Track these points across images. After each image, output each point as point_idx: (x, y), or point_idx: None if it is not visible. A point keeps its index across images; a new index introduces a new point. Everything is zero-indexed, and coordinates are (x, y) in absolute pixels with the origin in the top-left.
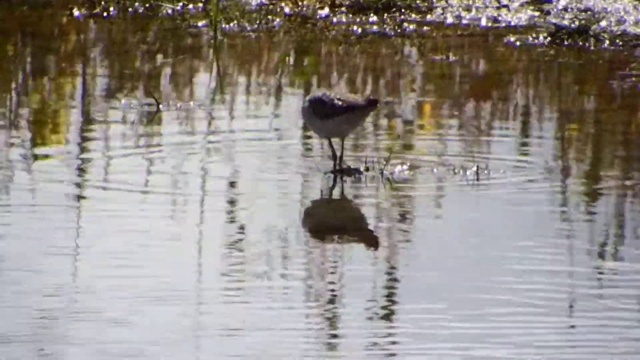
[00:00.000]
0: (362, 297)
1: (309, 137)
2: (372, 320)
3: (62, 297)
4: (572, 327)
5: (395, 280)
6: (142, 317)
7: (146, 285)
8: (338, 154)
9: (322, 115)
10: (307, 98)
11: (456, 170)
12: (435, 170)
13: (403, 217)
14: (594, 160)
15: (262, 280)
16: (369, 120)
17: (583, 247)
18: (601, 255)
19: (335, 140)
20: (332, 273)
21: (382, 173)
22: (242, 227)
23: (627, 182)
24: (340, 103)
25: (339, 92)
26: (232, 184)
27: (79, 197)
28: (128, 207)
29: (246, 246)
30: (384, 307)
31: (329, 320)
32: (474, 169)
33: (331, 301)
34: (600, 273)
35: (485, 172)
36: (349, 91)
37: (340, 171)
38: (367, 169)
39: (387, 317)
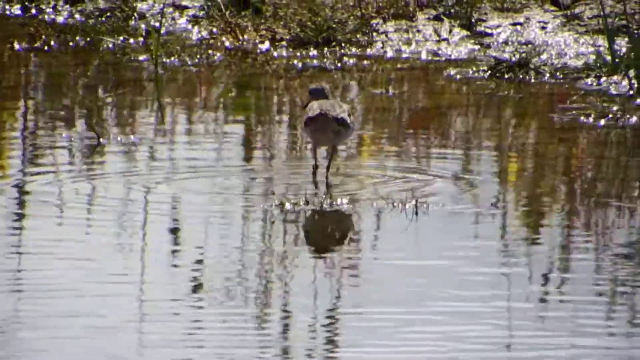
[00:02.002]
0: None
1: (251, 169)
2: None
3: None
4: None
5: (337, 318)
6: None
7: (82, 314)
8: (325, 163)
9: (304, 123)
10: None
11: (395, 204)
12: (374, 203)
13: (340, 248)
14: (534, 193)
15: (210, 307)
16: (309, 155)
17: (522, 278)
18: (542, 286)
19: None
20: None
21: (321, 206)
22: (184, 256)
23: (568, 215)
24: (313, 113)
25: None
26: (174, 215)
27: (19, 228)
28: (68, 236)
29: (189, 274)
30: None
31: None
32: (413, 202)
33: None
34: (541, 302)
35: (425, 205)
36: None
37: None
38: (306, 202)
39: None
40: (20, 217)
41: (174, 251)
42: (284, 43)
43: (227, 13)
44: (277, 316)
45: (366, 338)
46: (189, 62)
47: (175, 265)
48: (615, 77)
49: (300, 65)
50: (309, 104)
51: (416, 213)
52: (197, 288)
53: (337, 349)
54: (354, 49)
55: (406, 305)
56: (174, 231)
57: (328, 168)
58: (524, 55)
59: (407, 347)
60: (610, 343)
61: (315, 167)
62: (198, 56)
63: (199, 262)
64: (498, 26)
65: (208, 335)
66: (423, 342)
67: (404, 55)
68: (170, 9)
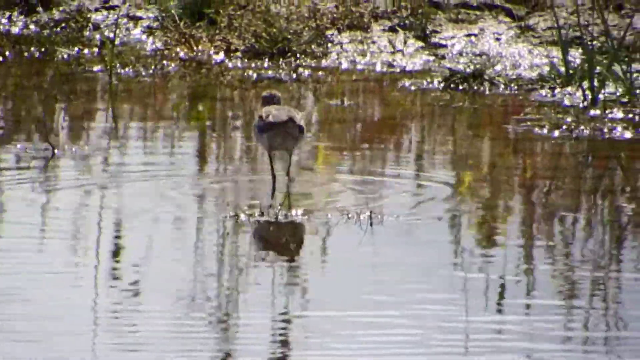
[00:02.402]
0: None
1: (206, 178)
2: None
3: None
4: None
5: (288, 322)
6: None
7: (35, 321)
8: (286, 165)
9: (260, 129)
10: (258, 113)
11: (350, 215)
12: (329, 215)
13: (293, 257)
14: (488, 204)
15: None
16: (264, 165)
17: (476, 291)
18: (496, 300)
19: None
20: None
21: (276, 217)
22: (136, 264)
23: (521, 225)
24: (270, 119)
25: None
26: (125, 223)
27: None
28: (21, 246)
29: (142, 283)
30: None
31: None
32: (367, 213)
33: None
34: (495, 314)
35: (379, 216)
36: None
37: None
38: (261, 214)
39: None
40: None
41: (118, 261)
42: (238, 54)
43: (182, 24)
44: (220, 322)
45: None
46: (144, 73)
47: (116, 277)
48: (569, 89)
49: (255, 76)
50: (263, 109)
51: (371, 224)
52: (139, 295)
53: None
54: (309, 60)
55: (360, 311)
56: (122, 240)
57: (288, 174)
58: (478, 66)
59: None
60: (568, 347)
61: (274, 177)
62: (152, 67)
63: (146, 271)
64: (453, 37)
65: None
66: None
67: (359, 67)
68: (125, 20)
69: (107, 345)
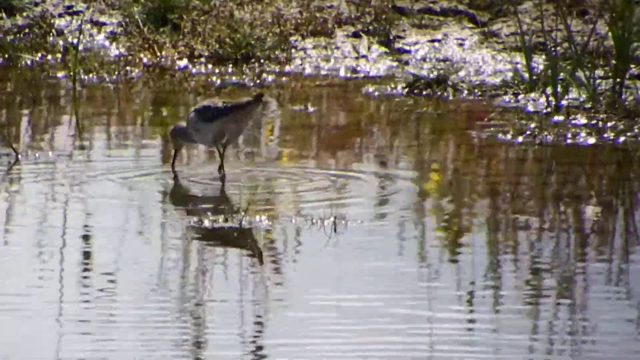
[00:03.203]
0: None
1: (169, 185)
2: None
3: None
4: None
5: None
6: None
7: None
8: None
9: (208, 119)
10: (192, 109)
11: (314, 221)
12: (293, 220)
13: (258, 263)
14: (451, 210)
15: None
16: (230, 171)
17: (443, 291)
18: (461, 303)
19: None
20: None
21: (240, 223)
22: (106, 272)
23: (484, 232)
24: (224, 104)
25: (225, 99)
26: (94, 234)
27: None
28: None
29: (108, 292)
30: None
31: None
32: (332, 219)
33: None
34: (462, 320)
35: (343, 222)
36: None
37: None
38: (225, 220)
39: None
40: None
41: (84, 270)
42: (202, 60)
43: (145, 29)
44: (190, 325)
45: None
46: (107, 79)
47: (84, 285)
48: (532, 95)
49: (219, 81)
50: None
51: (335, 230)
52: (104, 297)
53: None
54: (272, 66)
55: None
56: (87, 244)
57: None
58: (442, 72)
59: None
60: (532, 357)
61: (222, 166)
62: (116, 73)
63: (112, 278)
64: (416, 43)
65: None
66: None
67: (323, 72)
68: (88, 26)
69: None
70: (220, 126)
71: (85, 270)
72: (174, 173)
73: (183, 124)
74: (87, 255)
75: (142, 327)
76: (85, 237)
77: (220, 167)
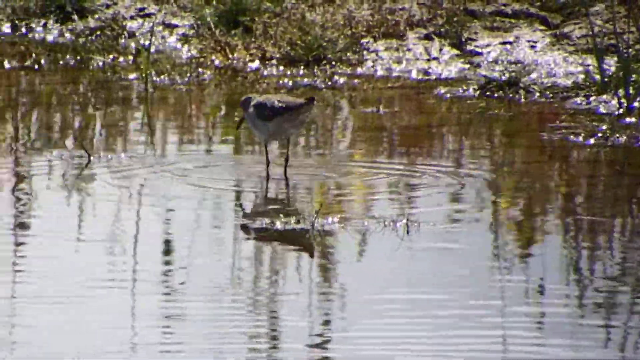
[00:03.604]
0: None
1: (245, 183)
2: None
3: None
4: None
5: (328, 330)
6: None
7: (85, 330)
8: (284, 156)
9: (265, 117)
10: (252, 103)
11: (386, 223)
12: (365, 222)
13: (331, 266)
14: (524, 212)
15: (202, 328)
16: (301, 171)
17: (514, 298)
18: (534, 305)
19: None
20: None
21: (312, 225)
22: (179, 275)
23: (560, 233)
24: (279, 104)
25: (281, 96)
26: (167, 234)
27: (16, 244)
28: (63, 254)
29: (182, 293)
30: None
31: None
32: (404, 221)
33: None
34: (535, 322)
35: (415, 224)
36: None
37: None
38: (297, 222)
39: None
40: (18, 229)
41: (165, 261)
42: (274, 61)
43: (217, 32)
44: (265, 334)
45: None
46: (179, 81)
47: (162, 281)
48: (604, 96)
49: (290, 83)
50: (256, 99)
51: (407, 232)
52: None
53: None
54: (344, 68)
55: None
56: (166, 244)
57: (287, 160)
58: (513, 74)
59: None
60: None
61: (269, 163)
62: (188, 74)
63: (188, 276)
64: (488, 45)
65: None
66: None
67: (394, 74)
68: (160, 28)
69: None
70: (276, 125)
71: (161, 267)
72: (267, 170)
73: (254, 96)
74: (161, 253)
75: (217, 320)
76: (159, 236)
77: (286, 162)
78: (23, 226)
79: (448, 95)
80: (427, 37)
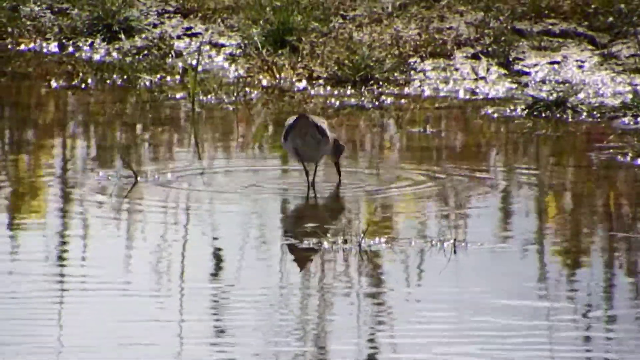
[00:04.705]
0: None
1: (288, 204)
2: None
3: None
4: None
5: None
6: None
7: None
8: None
9: (284, 136)
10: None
11: (434, 243)
12: (412, 242)
13: (379, 287)
14: (572, 232)
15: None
16: (345, 192)
17: (563, 318)
18: (584, 328)
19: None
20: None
21: (359, 245)
22: (228, 285)
23: (608, 254)
24: (288, 123)
25: (319, 118)
26: (215, 254)
27: (60, 274)
28: (111, 279)
29: (231, 323)
30: None
31: None
32: (452, 241)
33: None
34: (585, 343)
35: (463, 244)
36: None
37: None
38: (345, 241)
39: None
40: (62, 250)
41: (212, 279)
42: (321, 81)
43: (264, 51)
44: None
45: None
46: (226, 100)
47: (210, 299)
48: None
49: (337, 103)
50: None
51: (454, 252)
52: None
53: None
54: (391, 88)
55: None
56: (209, 267)
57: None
58: (561, 94)
59: None
60: None
61: (308, 174)
62: (235, 94)
63: (236, 298)
64: (535, 65)
65: None
66: None
67: (442, 94)
68: (207, 47)
69: None
70: (291, 143)
71: (207, 285)
72: (312, 189)
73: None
74: (208, 271)
75: (261, 335)
76: (205, 256)
77: (311, 183)
78: (69, 250)
79: (495, 115)
80: (475, 57)
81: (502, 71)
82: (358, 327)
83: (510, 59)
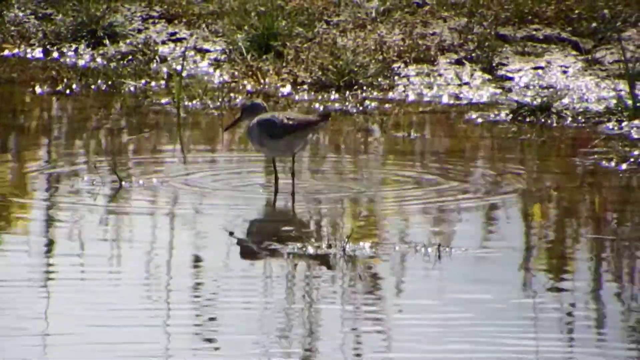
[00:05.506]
0: None
1: (274, 207)
2: None
3: None
4: None
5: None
6: None
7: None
8: (290, 171)
9: (276, 135)
10: (255, 120)
11: (417, 248)
12: (396, 247)
13: (367, 292)
14: (556, 238)
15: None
16: (331, 195)
17: (549, 325)
18: (569, 332)
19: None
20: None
21: (343, 250)
22: (209, 300)
23: (592, 260)
24: (291, 122)
25: (288, 113)
26: (199, 257)
27: (48, 272)
28: (97, 279)
29: (215, 323)
30: None
31: None
32: (436, 246)
33: None
34: (570, 346)
35: (447, 249)
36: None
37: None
38: (329, 246)
39: None
40: (48, 254)
41: (191, 287)
42: (305, 86)
43: (249, 57)
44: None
45: None
46: (211, 105)
47: (192, 312)
48: (636, 122)
49: (321, 108)
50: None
51: (439, 257)
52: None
53: None
54: (375, 93)
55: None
56: (193, 269)
57: (293, 174)
58: (545, 99)
59: None
60: None
61: (277, 179)
62: (220, 99)
63: (221, 301)
64: (519, 70)
65: None
66: None
67: (426, 99)
68: (192, 52)
69: None
70: (288, 143)
71: (192, 297)
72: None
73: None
74: (193, 281)
75: (249, 342)
76: (189, 262)
77: (292, 176)
78: (55, 251)
79: (479, 120)
80: (459, 62)
81: (486, 76)
82: (350, 336)
83: (494, 65)
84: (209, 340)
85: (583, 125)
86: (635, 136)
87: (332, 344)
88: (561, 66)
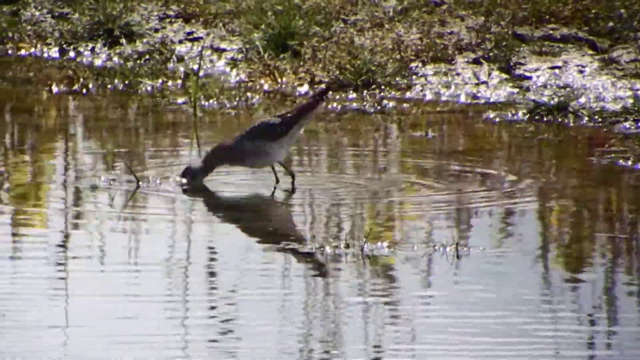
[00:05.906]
0: None
1: (291, 207)
2: None
3: None
4: None
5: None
6: None
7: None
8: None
9: (275, 136)
10: (238, 138)
11: (436, 247)
12: (415, 246)
13: (385, 291)
14: (574, 237)
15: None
16: (349, 194)
17: (567, 322)
18: (587, 332)
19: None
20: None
21: (362, 249)
22: (230, 290)
23: (610, 260)
24: (286, 116)
25: (275, 114)
26: (214, 258)
27: (64, 278)
28: (115, 282)
29: (232, 324)
30: None
31: None
32: (454, 245)
33: None
34: (589, 347)
35: (465, 248)
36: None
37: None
38: (347, 246)
39: None
40: (63, 258)
41: (207, 288)
42: (322, 85)
43: (266, 56)
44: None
45: None
46: (228, 105)
47: (209, 310)
48: None
49: (339, 108)
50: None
51: (457, 257)
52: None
53: None
54: (393, 92)
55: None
56: (208, 270)
57: (293, 176)
58: (562, 98)
59: None
60: None
61: (278, 181)
62: (236, 99)
63: (237, 303)
64: (537, 69)
65: None
66: None
67: (443, 98)
68: (209, 52)
69: None
70: (290, 137)
71: (208, 295)
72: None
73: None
74: (209, 281)
75: (266, 341)
76: (206, 263)
77: (293, 177)
78: (71, 253)
79: (497, 119)
80: (476, 62)
81: (504, 76)
82: (365, 332)
83: (512, 64)
84: (229, 332)
85: (600, 124)
86: None
87: (353, 337)
88: (578, 65)
